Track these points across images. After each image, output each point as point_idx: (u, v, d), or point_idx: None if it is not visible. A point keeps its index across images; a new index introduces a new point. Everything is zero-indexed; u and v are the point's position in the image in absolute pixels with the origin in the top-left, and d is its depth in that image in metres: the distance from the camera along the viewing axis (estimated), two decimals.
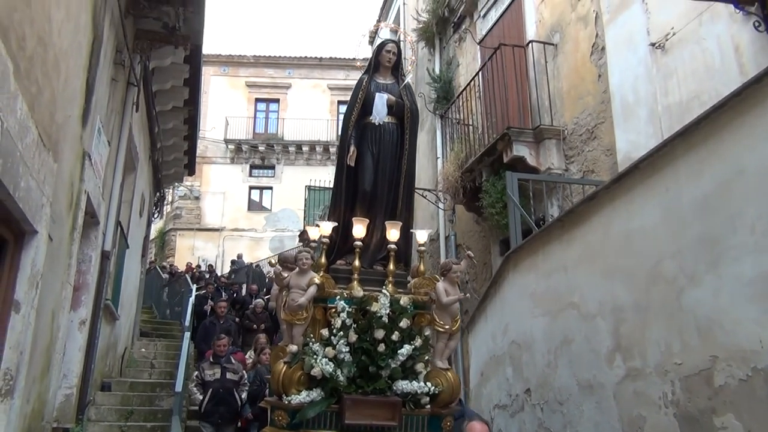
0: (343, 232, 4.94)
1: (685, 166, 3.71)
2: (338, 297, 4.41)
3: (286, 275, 4.47)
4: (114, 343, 8.73)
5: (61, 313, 5.08)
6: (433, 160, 11.51)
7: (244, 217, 25.56)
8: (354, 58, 28.31)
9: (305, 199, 16.88)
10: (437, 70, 11.57)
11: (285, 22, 68.19)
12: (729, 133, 3.36)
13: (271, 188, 26.12)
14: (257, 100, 27.15)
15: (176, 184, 16.86)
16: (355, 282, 4.51)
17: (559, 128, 7.89)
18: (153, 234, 18.40)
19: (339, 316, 4.34)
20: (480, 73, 9.15)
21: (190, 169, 13.31)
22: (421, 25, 11.90)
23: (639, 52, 6.58)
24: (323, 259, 4.72)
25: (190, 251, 24.25)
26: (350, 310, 4.36)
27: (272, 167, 26.32)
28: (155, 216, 13.74)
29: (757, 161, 3.17)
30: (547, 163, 7.84)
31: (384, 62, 5.40)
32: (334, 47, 71.31)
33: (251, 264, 18.73)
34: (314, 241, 4.89)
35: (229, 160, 26.11)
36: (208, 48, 20.53)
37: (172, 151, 11.52)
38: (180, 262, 22.10)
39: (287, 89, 27.19)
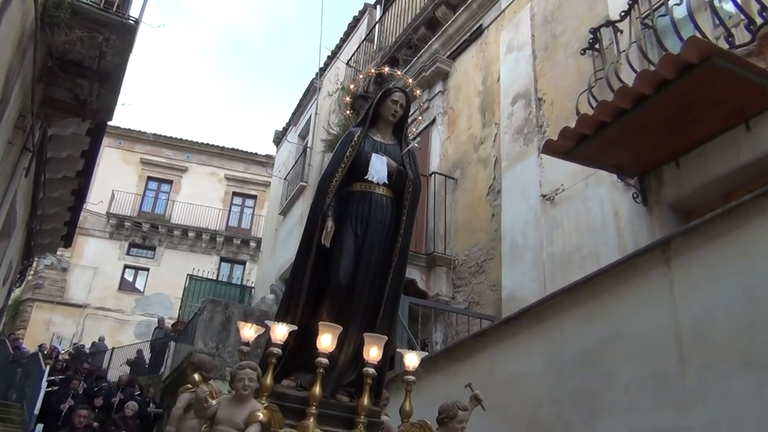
0: (297, 339, 3.56)
1: (569, 320, 4.00)
2: None
3: (213, 402, 3.15)
4: None
5: None
6: None
7: (113, 297, 24.06)
8: (256, 153, 28.28)
9: (185, 288, 16.23)
10: None
11: (191, 106, 68.08)
12: (611, 297, 3.69)
13: (147, 270, 24.94)
14: (149, 178, 26.45)
15: (47, 253, 15.78)
16: (311, 420, 3.19)
17: (451, 258, 8.26)
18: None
19: None
20: None
21: (67, 240, 12.60)
22: (330, 137, 12.29)
23: (531, 200, 7.14)
24: (269, 379, 3.27)
25: (45, 326, 22.32)
26: None
27: (153, 248, 25.29)
28: (16, 285, 12.70)
29: (634, 327, 3.48)
30: (436, 288, 8.13)
31: (387, 115, 4.16)
32: (237, 139, 71.61)
33: (113, 348, 17.48)
34: (247, 343, 3.43)
35: (108, 235, 24.86)
36: None
37: (53, 220, 10.92)
38: (31, 337, 20.24)
39: (183, 172, 26.75)
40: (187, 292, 16.04)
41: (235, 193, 27.04)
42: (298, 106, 16.03)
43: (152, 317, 23.39)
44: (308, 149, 14.24)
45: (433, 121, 9.52)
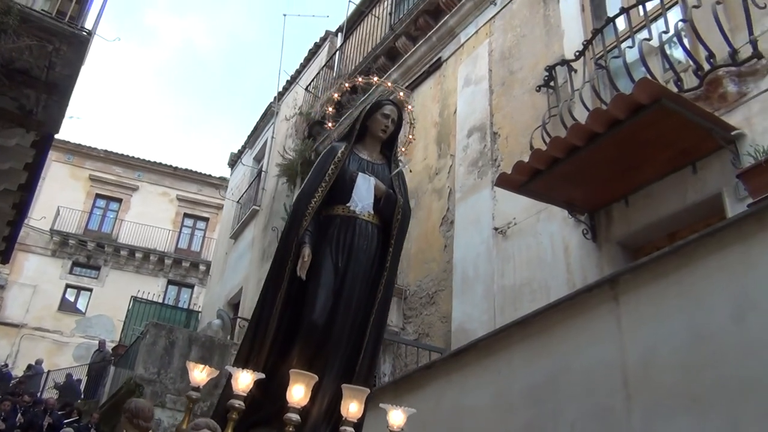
0: (261, 385, 2.98)
1: (518, 354, 3.97)
2: None
3: None
4: None
5: None
6: None
7: (52, 317, 23.11)
8: (210, 175, 27.85)
9: (128, 310, 15.71)
10: None
11: (145, 124, 67.01)
12: (560, 332, 3.68)
13: (91, 290, 24.10)
14: (98, 196, 25.73)
15: None
16: None
17: (402, 287, 8.20)
18: None
19: None
20: None
21: (5, 256, 12.04)
22: (285, 162, 12.20)
23: (483, 233, 7.17)
24: None
25: None
26: None
27: (97, 268, 24.49)
28: None
29: (581, 363, 3.47)
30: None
31: (376, 131, 3.72)
32: (191, 160, 70.69)
33: (49, 372, 16.74)
34: (197, 388, 2.96)
35: (51, 253, 23.97)
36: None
37: None
38: None
39: (133, 191, 26.12)
40: (130, 315, 15.50)
41: (186, 215, 26.50)
42: (255, 129, 15.90)
43: (93, 339, 22.53)
44: (263, 173, 14.10)
45: None
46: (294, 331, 3.26)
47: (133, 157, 26.63)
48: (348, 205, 3.46)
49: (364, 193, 3.46)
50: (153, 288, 22.28)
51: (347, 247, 3.39)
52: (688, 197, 5.03)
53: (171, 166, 26.86)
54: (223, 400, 3.10)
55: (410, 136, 3.98)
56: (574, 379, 3.50)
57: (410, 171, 4.26)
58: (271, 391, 3.08)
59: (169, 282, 25.04)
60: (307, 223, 3.42)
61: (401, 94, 4.18)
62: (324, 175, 3.53)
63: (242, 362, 3.13)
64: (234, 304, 13.59)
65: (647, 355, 3.15)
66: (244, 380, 2.80)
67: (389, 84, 4.34)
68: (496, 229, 7.01)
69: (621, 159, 5.04)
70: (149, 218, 25.12)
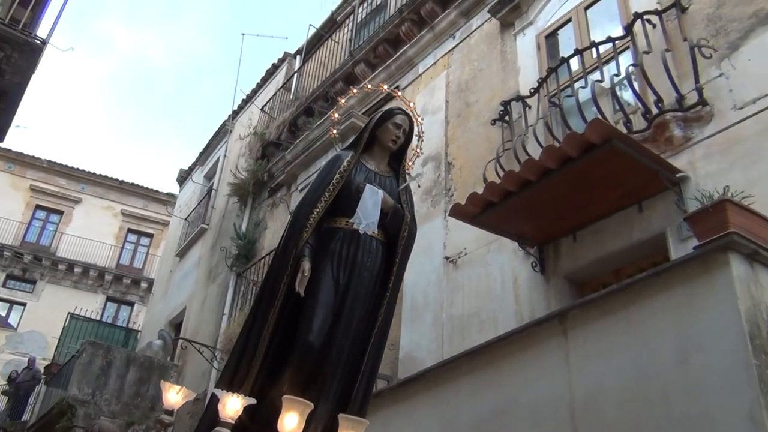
0: (247, 411, 2.68)
1: (466, 385, 3.98)
2: None
3: None
4: None
5: None
6: (218, 315, 11.12)
7: None
8: (157, 190, 27.26)
9: (64, 327, 15.12)
10: (244, 228, 11.61)
11: (92, 136, 65.35)
12: (508, 365, 3.71)
13: (24, 305, 23.12)
14: (38, 207, 24.85)
15: None
16: None
17: None
18: None
19: None
20: None
21: None
22: (237, 181, 12.05)
23: (434, 261, 7.20)
24: None
25: None
26: None
27: (33, 282, 23.54)
28: None
29: (529, 396, 3.50)
30: None
31: (386, 141, 3.49)
32: (139, 174, 69.17)
33: None
34: (171, 412, 2.75)
35: None
36: None
37: None
38: None
39: (76, 204, 25.34)
40: (66, 332, 14.91)
41: (130, 230, 25.85)
42: (207, 146, 15.68)
43: (24, 357, 21.57)
44: (213, 191, 13.88)
45: None
46: (287, 352, 3.00)
47: (77, 168, 25.91)
48: (351, 221, 3.23)
49: (369, 208, 3.22)
50: (91, 304, 21.55)
51: (350, 264, 3.15)
52: (634, 235, 5.18)
53: (117, 179, 26.23)
54: (204, 425, 2.91)
55: (418, 150, 3.78)
56: (522, 412, 3.52)
57: (419, 186, 4.06)
58: (258, 416, 2.84)
59: (108, 299, 24.29)
60: (308, 235, 3.17)
61: (411, 104, 3.89)
62: (328, 185, 3.27)
63: (227, 383, 2.88)
64: (176, 324, 13.24)
65: (594, 390, 3.20)
66: (232, 405, 2.52)
67: (399, 93, 4.00)
68: (447, 258, 7.05)
69: (571, 195, 5.17)
70: (91, 232, 24.36)
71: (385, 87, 4.14)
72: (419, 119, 3.77)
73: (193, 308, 12.45)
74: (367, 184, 3.28)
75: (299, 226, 3.20)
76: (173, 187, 19.93)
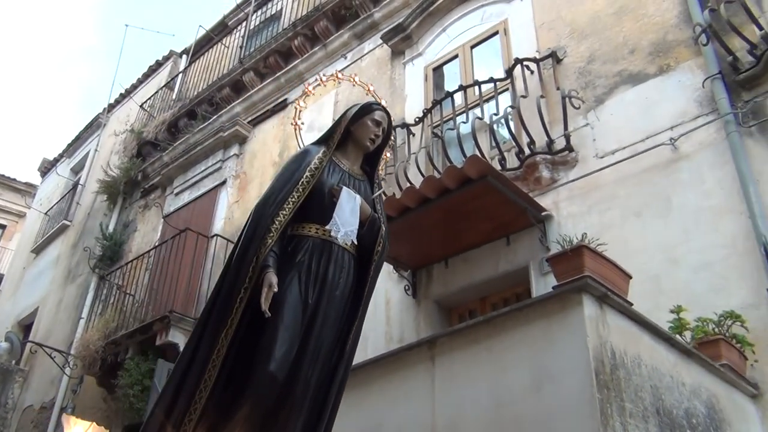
0: None
1: None
2: None
3: None
4: None
5: None
6: (75, 318, 10.45)
7: None
8: (14, 179, 25.23)
9: None
10: (111, 228, 11.03)
11: None
12: (378, 387, 3.81)
13: None
14: None
15: None
16: None
17: None
18: None
19: None
20: (158, 247, 9.00)
21: None
22: (108, 179, 11.45)
23: None
24: None
25: None
26: None
27: None
28: None
29: (395, 419, 3.61)
30: None
31: (363, 139, 3.01)
32: None
33: None
34: None
35: None
36: None
37: None
38: None
39: None
40: None
41: None
42: (77, 138, 14.74)
43: None
44: (80, 186, 13.07)
45: (224, 182, 9.36)
46: (241, 384, 2.44)
47: None
48: (327, 228, 2.71)
49: (347, 215, 2.73)
50: None
51: (320, 280, 2.63)
52: (501, 266, 5.51)
53: None
54: None
55: (386, 155, 3.44)
56: None
57: (385, 195, 3.69)
58: None
59: None
60: (272, 241, 2.59)
61: (383, 102, 3.42)
62: (297, 183, 2.73)
63: (159, 423, 2.40)
64: (26, 326, 12.28)
65: (455, 416, 3.36)
66: None
67: (371, 89, 3.46)
68: None
69: (446, 224, 5.42)
70: None
71: (341, 75, 3.57)
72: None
73: (46, 309, 11.62)
74: (344, 188, 2.81)
75: (262, 229, 2.61)
76: (34, 177, 18.55)
